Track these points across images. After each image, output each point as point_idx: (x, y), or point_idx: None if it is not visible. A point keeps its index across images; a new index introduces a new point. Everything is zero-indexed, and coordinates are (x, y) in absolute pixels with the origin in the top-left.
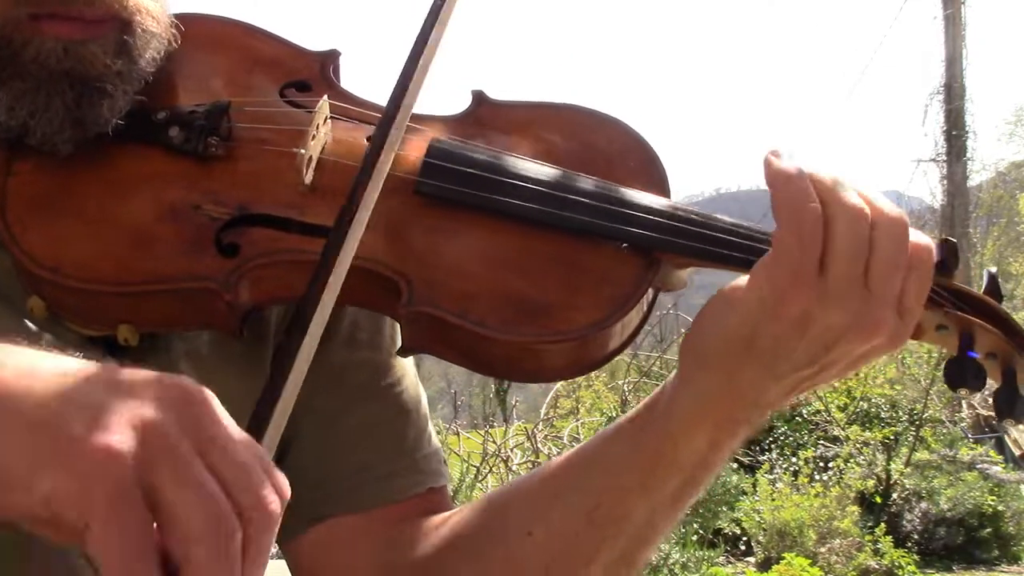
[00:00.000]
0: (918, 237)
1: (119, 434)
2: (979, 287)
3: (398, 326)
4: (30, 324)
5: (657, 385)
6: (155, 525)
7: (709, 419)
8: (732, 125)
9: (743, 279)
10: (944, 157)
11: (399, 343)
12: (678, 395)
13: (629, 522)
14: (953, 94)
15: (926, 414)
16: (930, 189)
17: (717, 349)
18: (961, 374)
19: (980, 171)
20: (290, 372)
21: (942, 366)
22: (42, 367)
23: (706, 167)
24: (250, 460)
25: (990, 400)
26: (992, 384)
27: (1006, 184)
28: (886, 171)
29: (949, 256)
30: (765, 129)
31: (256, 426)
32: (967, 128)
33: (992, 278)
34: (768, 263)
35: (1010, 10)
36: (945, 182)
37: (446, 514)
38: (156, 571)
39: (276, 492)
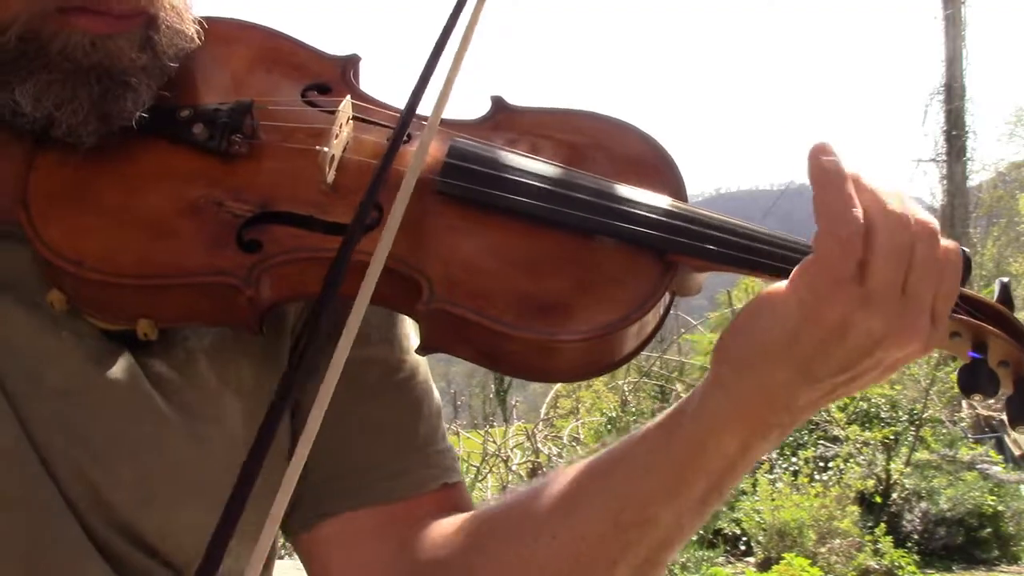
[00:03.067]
0: (947, 242)
1: None
2: (980, 288)
3: (410, 323)
4: (49, 319)
5: (657, 385)
6: None
7: (741, 423)
8: (732, 125)
9: (781, 283)
10: (944, 157)
11: (414, 340)
12: (710, 398)
13: (655, 526)
14: (953, 94)
15: (926, 414)
16: (930, 189)
17: (753, 354)
18: (974, 380)
19: (980, 171)
20: (324, 378)
21: (944, 366)
22: None
23: (706, 167)
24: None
25: (990, 400)
26: (1004, 391)
27: (1006, 184)
28: (886, 171)
29: (963, 265)
30: (765, 129)
31: (270, 424)
32: (967, 128)
33: (1004, 287)
34: (808, 268)
35: (1010, 10)
36: (945, 182)
37: (462, 515)
38: None
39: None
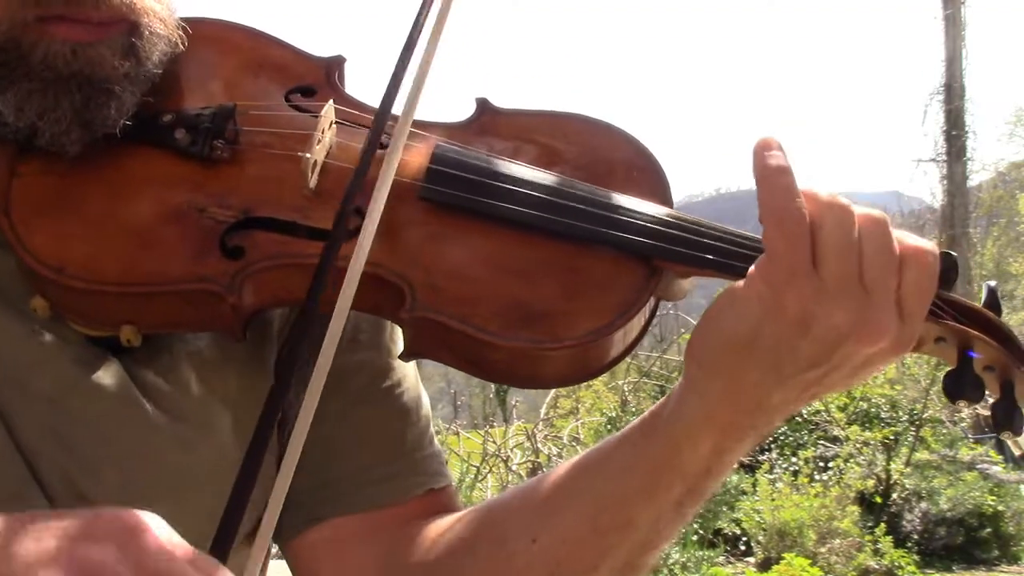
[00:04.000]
0: (919, 240)
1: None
2: (979, 287)
3: (399, 329)
4: (33, 325)
5: (657, 385)
6: None
7: (714, 424)
8: (732, 125)
9: (742, 282)
10: (944, 157)
11: (400, 346)
12: (683, 401)
13: (633, 529)
14: (953, 94)
15: (926, 414)
16: (930, 189)
17: (720, 352)
18: (960, 386)
19: (980, 171)
20: (308, 387)
21: (944, 366)
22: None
23: (706, 167)
24: None
25: (990, 400)
26: (990, 397)
27: (1006, 184)
28: (886, 171)
29: (949, 269)
30: (765, 129)
31: (258, 442)
32: (967, 128)
33: (992, 292)
34: (762, 262)
35: (1010, 10)
36: (945, 182)
37: (450, 517)
38: None
39: None
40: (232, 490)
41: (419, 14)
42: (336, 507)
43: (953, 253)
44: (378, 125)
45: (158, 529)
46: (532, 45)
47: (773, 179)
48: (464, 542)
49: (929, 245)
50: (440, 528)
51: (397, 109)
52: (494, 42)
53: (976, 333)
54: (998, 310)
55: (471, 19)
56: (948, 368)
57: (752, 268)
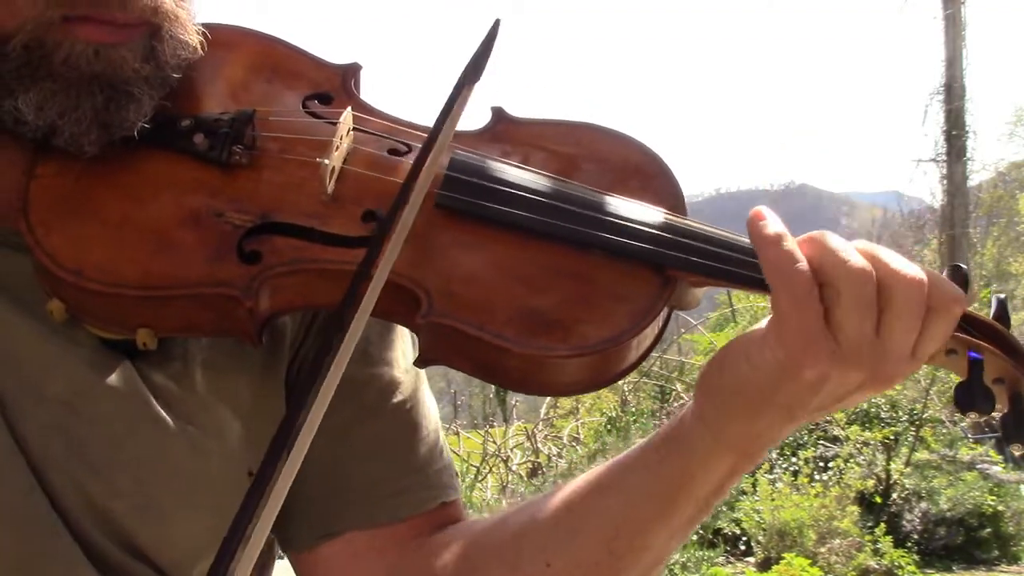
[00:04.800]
0: (947, 289)
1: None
2: (980, 287)
3: (410, 339)
4: (48, 328)
5: (657, 385)
6: None
7: (727, 455)
8: (732, 125)
9: (761, 324)
10: (944, 157)
11: (411, 356)
12: (697, 434)
13: (648, 550)
14: (953, 94)
15: (926, 414)
16: (930, 189)
17: (737, 399)
18: (970, 398)
19: (980, 171)
20: (319, 393)
21: (942, 372)
22: None
23: (706, 167)
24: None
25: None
26: (1000, 409)
27: (1006, 184)
28: (886, 171)
29: (959, 282)
30: (765, 129)
31: (280, 444)
32: (967, 128)
33: (1001, 303)
34: (775, 327)
35: (1010, 10)
36: (945, 182)
37: (459, 529)
38: None
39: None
40: (240, 505)
41: (483, 45)
42: (349, 521)
43: (964, 267)
44: (429, 143)
45: None
46: (533, 46)
47: (771, 246)
48: (475, 562)
49: (959, 294)
50: (450, 544)
51: (425, 120)
52: (494, 41)
53: (986, 345)
54: (1007, 322)
55: (473, 20)
56: (959, 380)
57: (766, 330)
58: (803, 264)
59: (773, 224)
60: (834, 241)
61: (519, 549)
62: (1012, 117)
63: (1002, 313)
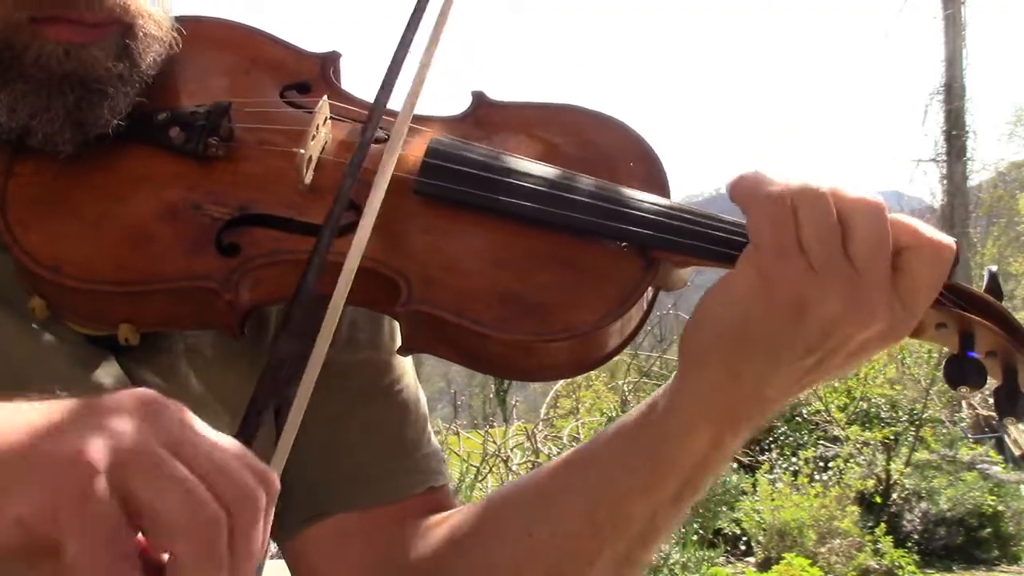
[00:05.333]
0: (935, 234)
1: (88, 442)
2: (979, 286)
3: (397, 325)
4: (32, 325)
5: (657, 385)
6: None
7: (710, 416)
8: (732, 125)
9: (731, 271)
10: (944, 157)
11: (398, 342)
12: (678, 394)
13: (630, 523)
14: (953, 94)
15: (926, 414)
16: (930, 189)
17: (713, 343)
18: (961, 372)
19: (980, 171)
20: (300, 382)
21: (942, 365)
22: (9, 411)
23: (706, 167)
24: (229, 456)
25: (990, 400)
26: (992, 383)
27: (1006, 184)
28: (886, 171)
29: (994, 291)
30: (765, 129)
31: (247, 427)
32: (967, 128)
33: (992, 276)
34: (749, 250)
35: (1010, 10)
36: (945, 182)
37: (446, 513)
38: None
39: (261, 484)
40: None
41: (416, 9)
42: (337, 503)
43: (952, 240)
44: (373, 119)
45: (192, 415)
46: (531, 45)
47: (743, 180)
48: (462, 538)
49: (947, 240)
50: (438, 525)
51: (395, 104)
52: (493, 42)
53: (978, 319)
54: (999, 295)
55: (470, 15)
56: (950, 354)
57: (740, 257)
58: (776, 185)
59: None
60: (791, 177)
61: (503, 524)
62: (1012, 117)
63: (993, 286)
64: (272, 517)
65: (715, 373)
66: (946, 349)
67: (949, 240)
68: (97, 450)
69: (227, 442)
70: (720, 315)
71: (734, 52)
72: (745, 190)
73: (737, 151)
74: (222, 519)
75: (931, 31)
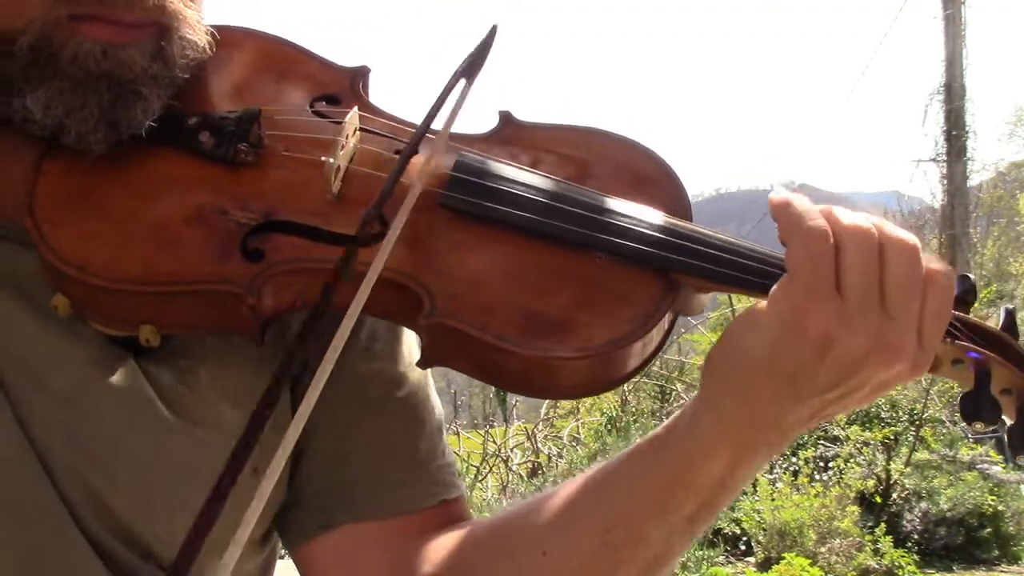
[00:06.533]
0: (936, 263)
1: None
2: (980, 288)
3: (415, 337)
4: (52, 323)
5: (657, 385)
6: None
7: (729, 441)
8: (732, 125)
9: (764, 301)
10: (944, 157)
11: (416, 354)
12: (698, 417)
13: (646, 545)
14: (953, 94)
15: (926, 414)
16: (930, 189)
17: (739, 371)
18: (976, 408)
19: (980, 171)
20: (308, 387)
21: (958, 400)
22: None
23: (706, 167)
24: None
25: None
26: (1007, 420)
27: (1006, 184)
28: (886, 171)
29: (967, 292)
30: (765, 129)
31: (253, 430)
32: (967, 128)
33: (1009, 314)
34: (785, 283)
35: (1010, 10)
36: (945, 182)
37: (459, 526)
38: None
39: None
40: (214, 485)
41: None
42: (347, 514)
43: (971, 276)
44: (417, 136)
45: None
46: (532, 47)
47: (789, 206)
48: (474, 554)
49: (944, 267)
50: (450, 540)
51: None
52: (491, 43)
53: (993, 355)
54: (1016, 333)
55: (473, 19)
56: (965, 390)
57: (775, 288)
58: (820, 220)
59: (788, 193)
60: (840, 209)
61: (516, 541)
62: (1012, 117)
63: (1010, 323)
64: (274, 552)
65: (736, 399)
66: (961, 385)
67: (945, 266)
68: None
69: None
70: (747, 344)
71: (734, 52)
72: (789, 218)
73: (737, 151)
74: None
75: (931, 31)
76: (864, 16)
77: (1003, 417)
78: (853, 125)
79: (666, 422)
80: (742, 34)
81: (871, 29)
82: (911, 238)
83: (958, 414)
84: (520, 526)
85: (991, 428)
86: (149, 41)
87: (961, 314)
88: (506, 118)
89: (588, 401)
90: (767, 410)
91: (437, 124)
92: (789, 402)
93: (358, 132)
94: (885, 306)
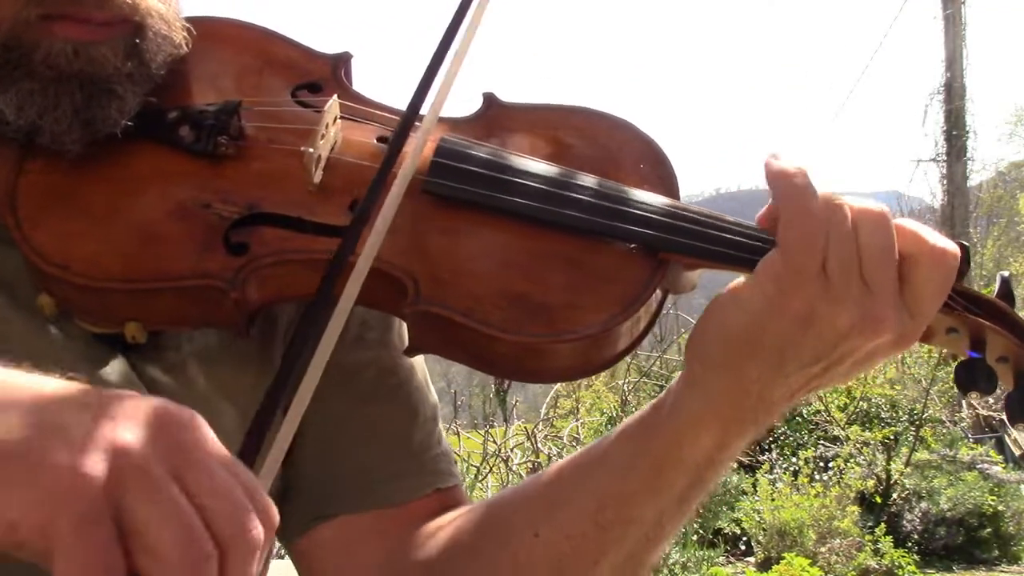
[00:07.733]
0: (939, 240)
1: (89, 456)
2: (981, 289)
3: (405, 325)
4: (40, 322)
5: (657, 385)
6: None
7: (715, 419)
8: (732, 125)
9: (743, 278)
10: (944, 157)
11: (407, 342)
12: (684, 396)
13: (636, 524)
14: (953, 94)
15: (926, 414)
16: (930, 189)
17: (722, 348)
18: (972, 377)
19: (980, 171)
20: (302, 379)
21: (945, 366)
22: (18, 391)
23: (706, 167)
24: (232, 486)
25: (989, 400)
26: (1003, 387)
27: (1006, 184)
28: (886, 171)
29: (960, 261)
30: (765, 129)
31: (258, 429)
32: (967, 128)
33: (1005, 281)
34: (773, 261)
35: (1010, 10)
36: (945, 182)
37: (454, 513)
38: None
39: (261, 518)
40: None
41: (452, 21)
42: (343, 505)
43: (965, 243)
44: (403, 127)
45: (203, 430)
46: (531, 43)
47: (789, 179)
48: (467, 539)
49: (951, 246)
50: (443, 526)
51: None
52: (490, 39)
53: (989, 324)
54: (1011, 300)
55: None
56: (960, 359)
57: (761, 263)
58: (819, 202)
59: (790, 161)
60: (822, 188)
61: (509, 523)
62: (1012, 117)
63: (1006, 291)
64: (270, 552)
65: (721, 376)
66: (956, 354)
67: (953, 246)
68: (98, 464)
69: (233, 469)
70: (730, 320)
71: (734, 52)
72: (789, 195)
73: (736, 151)
74: (213, 557)
75: (931, 31)
76: (864, 16)
77: (1000, 385)
78: (853, 125)
79: (652, 402)
80: (742, 34)
81: (871, 29)
82: (879, 206)
83: (958, 413)
84: (512, 509)
85: (987, 397)
86: (122, 39)
87: (955, 283)
88: (490, 99)
89: (588, 401)
90: (752, 386)
91: (424, 108)
92: (774, 376)
93: (339, 120)
94: (864, 278)
